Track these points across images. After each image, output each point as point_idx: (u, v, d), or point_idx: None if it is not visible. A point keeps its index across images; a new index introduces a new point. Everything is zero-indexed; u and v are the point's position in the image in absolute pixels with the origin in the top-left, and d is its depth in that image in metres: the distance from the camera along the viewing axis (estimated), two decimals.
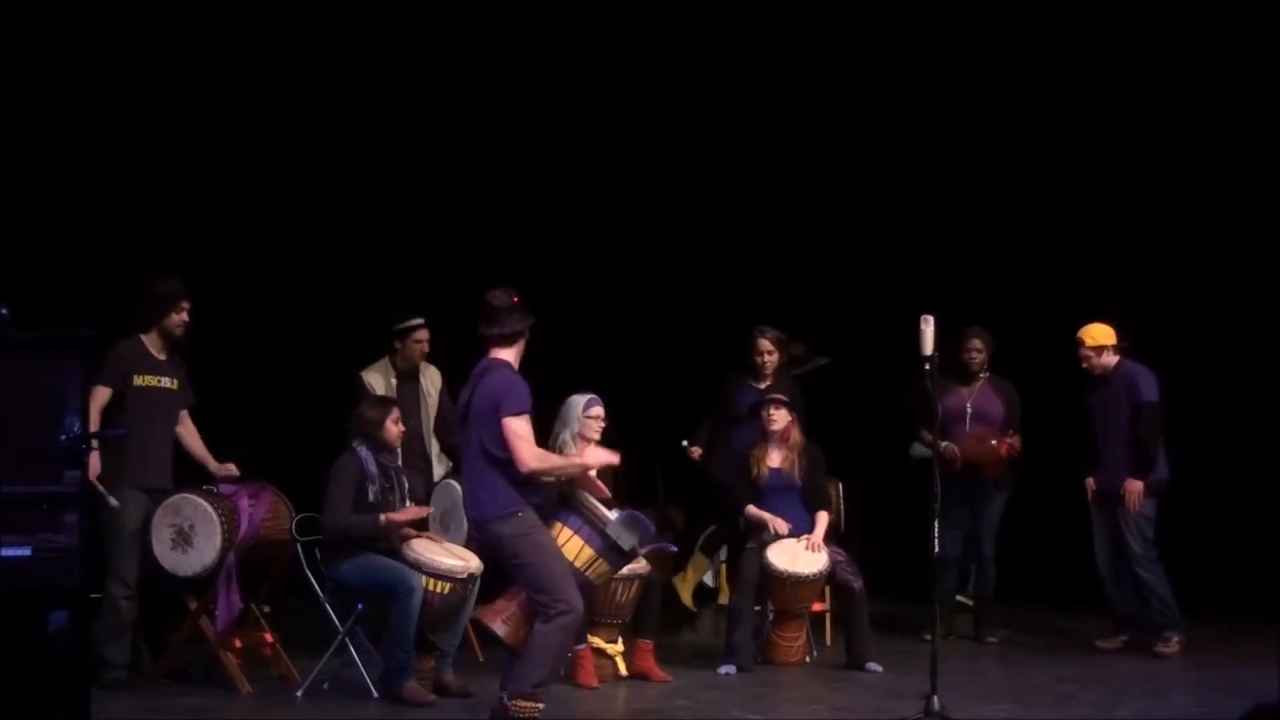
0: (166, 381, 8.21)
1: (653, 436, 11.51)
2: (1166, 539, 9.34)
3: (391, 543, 7.96)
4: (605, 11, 11.24)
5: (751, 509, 9.06)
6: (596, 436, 8.40)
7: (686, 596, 11.17)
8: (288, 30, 10.71)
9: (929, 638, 7.41)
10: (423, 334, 9.10)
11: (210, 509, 7.90)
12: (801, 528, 9.00)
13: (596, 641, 8.33)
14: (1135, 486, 9.21)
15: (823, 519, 9.03)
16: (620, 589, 8.31)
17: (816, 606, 9.27)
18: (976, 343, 9.60)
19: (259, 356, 10.66)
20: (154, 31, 10.35)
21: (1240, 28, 10.73)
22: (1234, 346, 10.72)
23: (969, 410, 9.53)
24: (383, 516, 7.91)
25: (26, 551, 5.74)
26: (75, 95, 10.24)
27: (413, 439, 8.82)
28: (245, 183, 10.83)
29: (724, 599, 10.67)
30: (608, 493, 7.30)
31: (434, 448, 9.16)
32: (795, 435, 9.11)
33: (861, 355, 11.00)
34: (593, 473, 7.26)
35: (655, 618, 8.54)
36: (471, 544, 8.03)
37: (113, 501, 7.78)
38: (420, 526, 8.23)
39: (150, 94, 10.48)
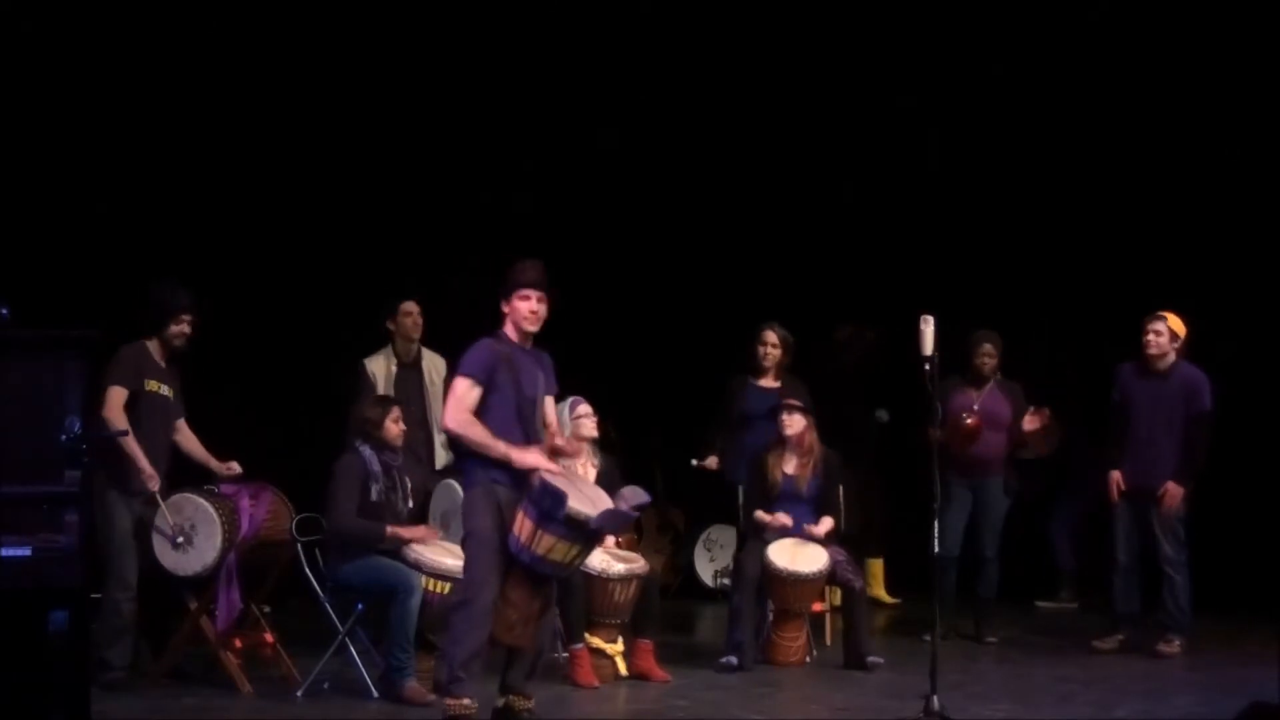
0: (165, 390, 8.21)
1: (653, 436, 11.54)
2: None
3: (393, 544, 7.96)
4: (605, 11, 11.23)
5: (759, 514, 9.04)
6: (593, 433, 8.41)
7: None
8: (287, 28, 10.72)
9: (929, 638, 7.42)
10: (410, 306, 9.22)
11: (211, 509, 7.90)
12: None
13: (596, 641, 8.33)
14: (1179, 492, 9.13)
15: (826, 522, 9.02)
16: (619, 589, 8.31)
17: (816, 606, 9.27)
18: (988, 347, 9.59)
19: (259, 356, 10.65)
20: (150, 30, 10.35)
21: (1241, 28, 10.73)
22: (1234, 346, 10.70)
23: (976, 411, 9.52)
24: (389, 530, 7.92)
25: (26, 551, 5.73)
26: (75, 95, 10.24)
27: (414, 426, 8.77)
28: (242, 182, 10.82)
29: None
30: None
31: (440, 437, 9.12)
32: (811, 440, 9.05)
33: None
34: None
35: (655, 618, 8.53)
36: None
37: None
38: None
39: (148, 93, 10.48)
